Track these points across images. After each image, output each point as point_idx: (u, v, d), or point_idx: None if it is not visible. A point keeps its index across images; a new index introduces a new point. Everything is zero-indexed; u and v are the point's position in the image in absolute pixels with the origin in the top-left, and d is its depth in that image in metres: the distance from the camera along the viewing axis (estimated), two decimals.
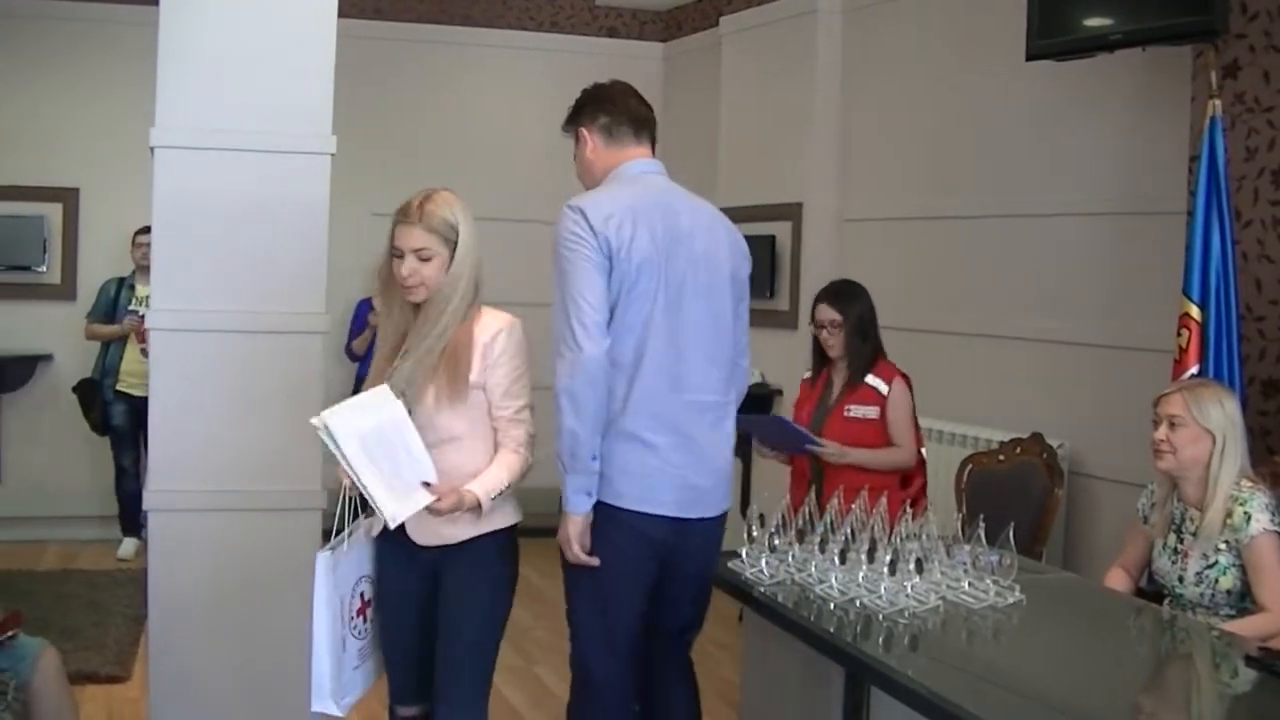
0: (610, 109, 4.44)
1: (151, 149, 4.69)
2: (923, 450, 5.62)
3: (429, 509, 3.75)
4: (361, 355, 9.37)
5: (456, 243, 3.90)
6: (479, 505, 3.82)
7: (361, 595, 4.01)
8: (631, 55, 10.61)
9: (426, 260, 3.86)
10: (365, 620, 4.04)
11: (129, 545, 8.64)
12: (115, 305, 8.61)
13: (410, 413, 3.80)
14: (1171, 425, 4.35)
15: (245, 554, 4.81)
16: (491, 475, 3.86)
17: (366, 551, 4.03)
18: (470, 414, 3.87)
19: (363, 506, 3.87)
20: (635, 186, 4.24)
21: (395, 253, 3.89)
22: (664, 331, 4.01)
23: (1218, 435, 4.30)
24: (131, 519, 8.56)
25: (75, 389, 8.82)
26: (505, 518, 4.01)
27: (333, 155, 4.85)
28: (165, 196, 4.70)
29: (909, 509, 4.12)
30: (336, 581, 3.87)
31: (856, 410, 5.42)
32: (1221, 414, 4.31)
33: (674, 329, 4.04)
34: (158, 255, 4.71)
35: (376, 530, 3.96)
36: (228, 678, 4.82)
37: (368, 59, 9.45)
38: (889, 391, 5.46)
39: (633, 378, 3.99)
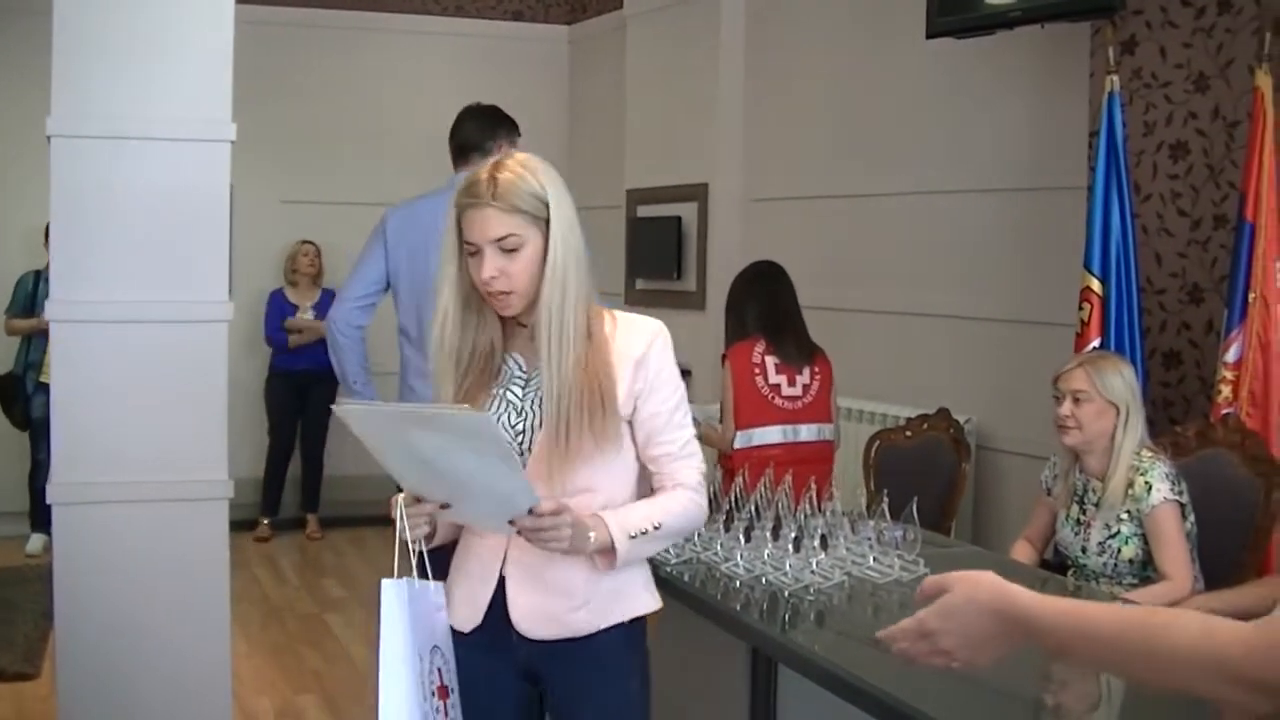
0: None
1: (48, 138, 4.63)
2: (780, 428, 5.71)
3: (530, 518, 2.73)
4: (287, 348, 9.35)
5: (549, 220, 2.81)
6: (611, 547, 2.83)
7: (439, 672, 2.85)
8: (537, 38, 10.64)
9: (512, 252, 2.80)
10: (445, 712, 2.84)
11: (37, 541, 8.55)
12: (34, 299, 8.51)
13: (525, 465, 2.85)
14: (1076, 400, 4.39)
15: (152, 546, 4.74)
16: (639, 509, 2.89)
17: (437, 617, 2.89)
18: (615, 458, 2.90)
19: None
20: None
21: (469, 249, 2.84)
22: None
23: (1121, 406, 4.35)
24: (43, 514, 8.46)
25: None
26: (649, 601, 3.05)
27: (233, 142, 4.79)
28: (63, 186, 4.62)
29: (834, 486, 4.17)
30: (414, 621, 2.80)
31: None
32: (1123, 384, 4.36)
33: None
34: (56, 246, 4.65)
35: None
36: (139, 672, 4.76)
37: (273, 44, 9.39)
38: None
39: None
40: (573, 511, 2.77)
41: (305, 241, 9.63)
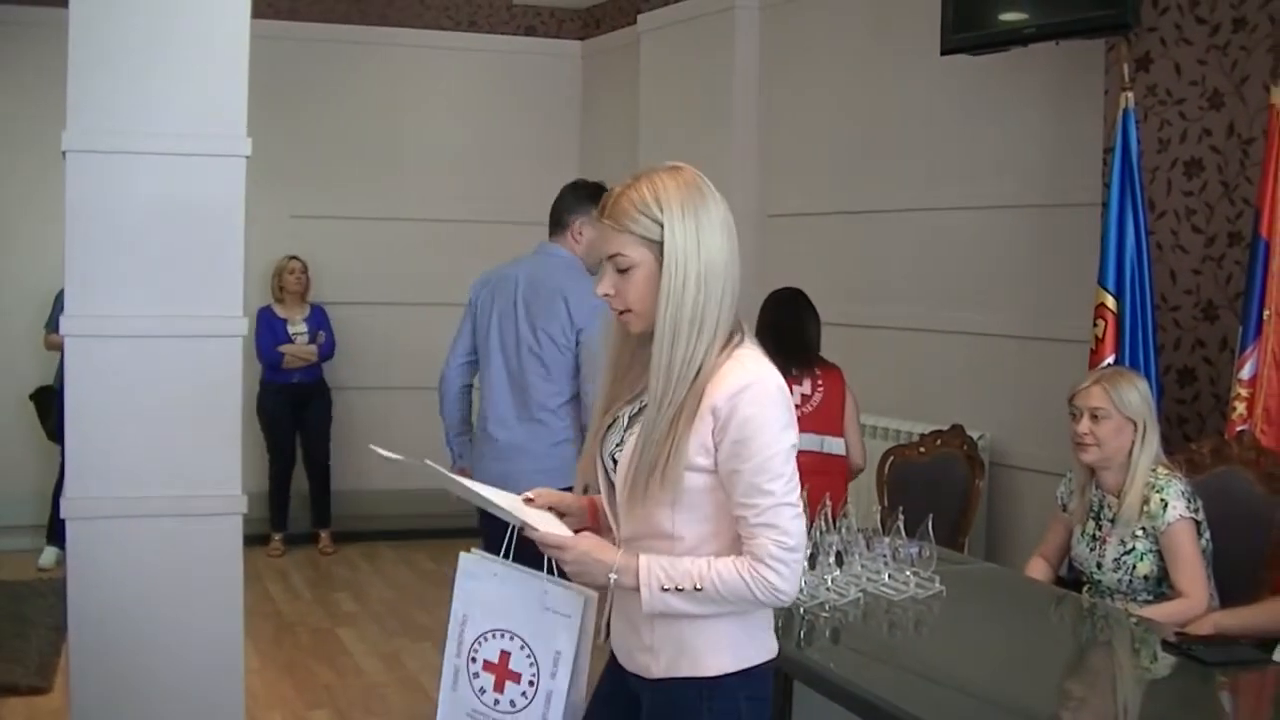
0: None
1: (63, 153, 4.64)
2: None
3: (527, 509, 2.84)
4: (280, 367, 9.34)
5: (663, 244, 2.70)
6: (637, 584, 2.71)
7: (504, 654, 2.89)
8: (550, 53, 10.65)
9: (624, 272, 2.73)
10: (499, 694, 2.89)
11: (50, 554, 8.54)
12: None
13: (614, 488, 2.85)
14: (1094, 418, 4.37)
15: (165, 560, 4.75)
16: (687, 564, 2.70)
17: (530, 600, 2.87)
18: (693, 506, 2.73)
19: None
20: None
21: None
22: None
23: (1138, 422, 4.35)
24: (59, 527, 8.45)
25: (32, 396, 8.72)
26: (722, 657, 2.79)
27: (248, 157, 4.80)
28: (78, 201, 4.63)
29: (849, 505, 4.17)
30: (469, 594, 2.97)
31: None
32: (1139, 399, 4.36)
33: None
34: (71, 260, 4.65)
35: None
36: (152, 687, 4.76)
37: (286, 60, 9.39)
38: None
39: None
40: (587, 545, 2.75)
41: (292, 257, 9.57)
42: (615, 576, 2.72)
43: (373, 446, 2.92)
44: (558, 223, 5.36)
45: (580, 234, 5.23)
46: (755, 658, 2.81)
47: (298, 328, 9.45)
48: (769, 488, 2.64)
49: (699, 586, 2.67)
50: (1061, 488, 4.69)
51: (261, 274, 9.29)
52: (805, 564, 3.80)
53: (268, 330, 9.32)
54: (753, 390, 2.67)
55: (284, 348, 9.33)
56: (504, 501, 2.79)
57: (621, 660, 2.90)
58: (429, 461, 2.74)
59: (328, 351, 9.54)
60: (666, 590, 2.68)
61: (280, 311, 9.45)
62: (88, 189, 4.64)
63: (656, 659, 2.79)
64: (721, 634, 2.77)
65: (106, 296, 4.67)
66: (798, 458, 2.74)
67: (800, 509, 2.70)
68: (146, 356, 4.69)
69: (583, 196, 5.27)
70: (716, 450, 2.68)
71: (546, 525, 2.78)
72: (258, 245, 8.90)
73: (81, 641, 4.71)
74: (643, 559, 2.70)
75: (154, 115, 4.68)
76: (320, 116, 9.92)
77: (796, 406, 5.55)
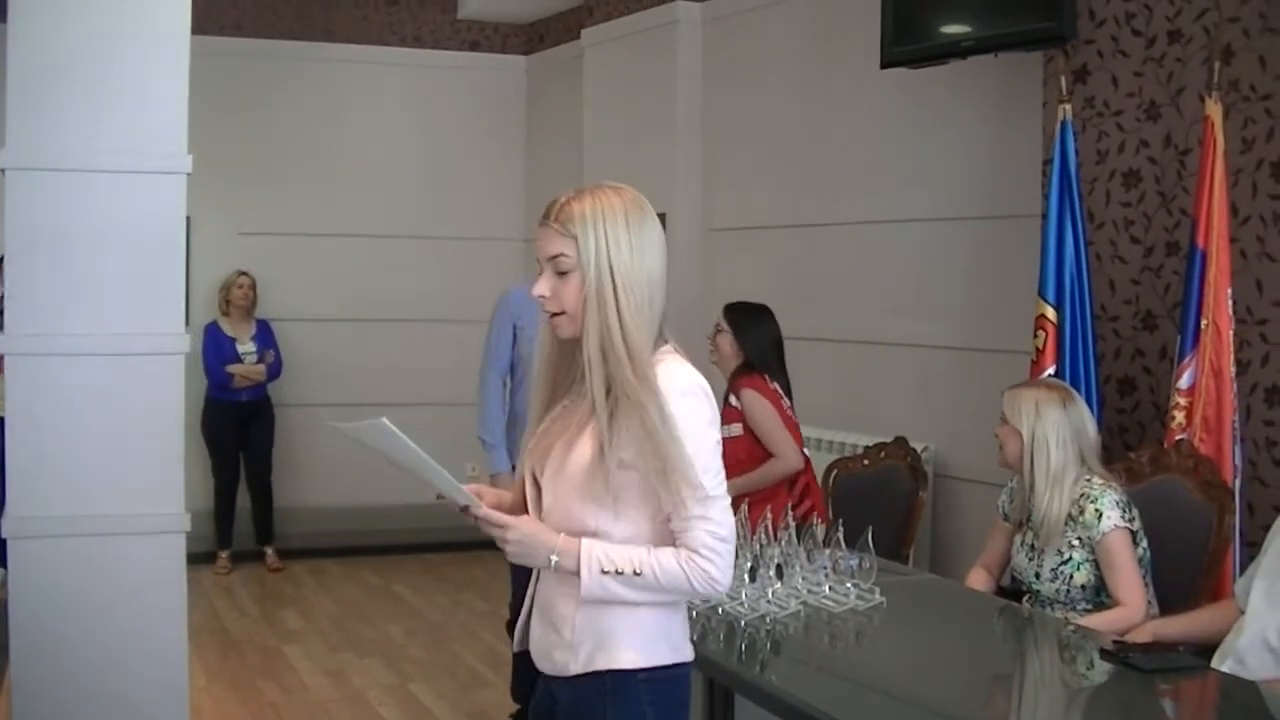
0: None
1: (1, 170, 4.62)
2: (805, 450, 5.78)
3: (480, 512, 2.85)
4: (228, 385, 9.30)
5: (609, 253, 2.80)
6: (577, 566, 2.76)
7: None
8: (495, 68, 10.66)
9: (564, 275, 2.82)
10: None
11: None
12: None
13: (539, 490, 2.91)
14: (1001, 421, 4.50)
15: (109, 579, 4.72)
16: (628, 550, 2.77)
17: None
18: (623, 503, 2.79)
19: None
20: None
21: (539, 267, 2.89)
22: None
23: (1025, 436, 4.39)
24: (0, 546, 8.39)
25: None
26: (637, 653, 2.83)
27: (189, 175, 4.79)
28: (17, 219, 4.61)
29: (789, 515, 4.18)
30: None
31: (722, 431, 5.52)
32: (1034, 415, 4.39)
33: None
34: (11, 278, 4.64)
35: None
36: (97, 706, 4.72)
37: (230, 76, 9.39)
38: (740, 403, 5.62)
39: None
40: (530, 528, 2.82)
41: (241, 273, 9.53)
42: (556, 558, 2.77)
43: (332, 423, 2.87)
44: None
45: None
46: (668, 657, 2.86)
47: (246, 346, 9.41)
48: (699, 482, 2.72)
49: (638, 571, 2.74)
50: (1003, 496, 4.73)
51: (208, 290, 9.26)
52: (746, 577, 3.85)
53: (215, 348, 9.28)
54: (676, 390, 2.76)
55: (233, 368, 9.29)
56: (449, 478, 2.82)
57: (539, 664, 2.94)
58: (385, 420, 2.71)
59: (276, 371, 9.51)
60: (606, 573, 2.74)
61: (227, 328, 9.40)
62: (28, 206, 4.61)
63: (575, 655, 2.83)
64: (641, 628, 2.83)
65: (47, 314, 4.64)
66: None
67: (729, 501, 2.81)
68: (88, 374, 4.66)
69: None
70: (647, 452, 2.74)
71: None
72: (203, 261, 8.91)
73: (24, 661, 4.67)
74: (584, 542, 2.76)
75: (94, 132, 4.66)
76: (265, 132, 9.89)
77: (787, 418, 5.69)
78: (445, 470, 2.79)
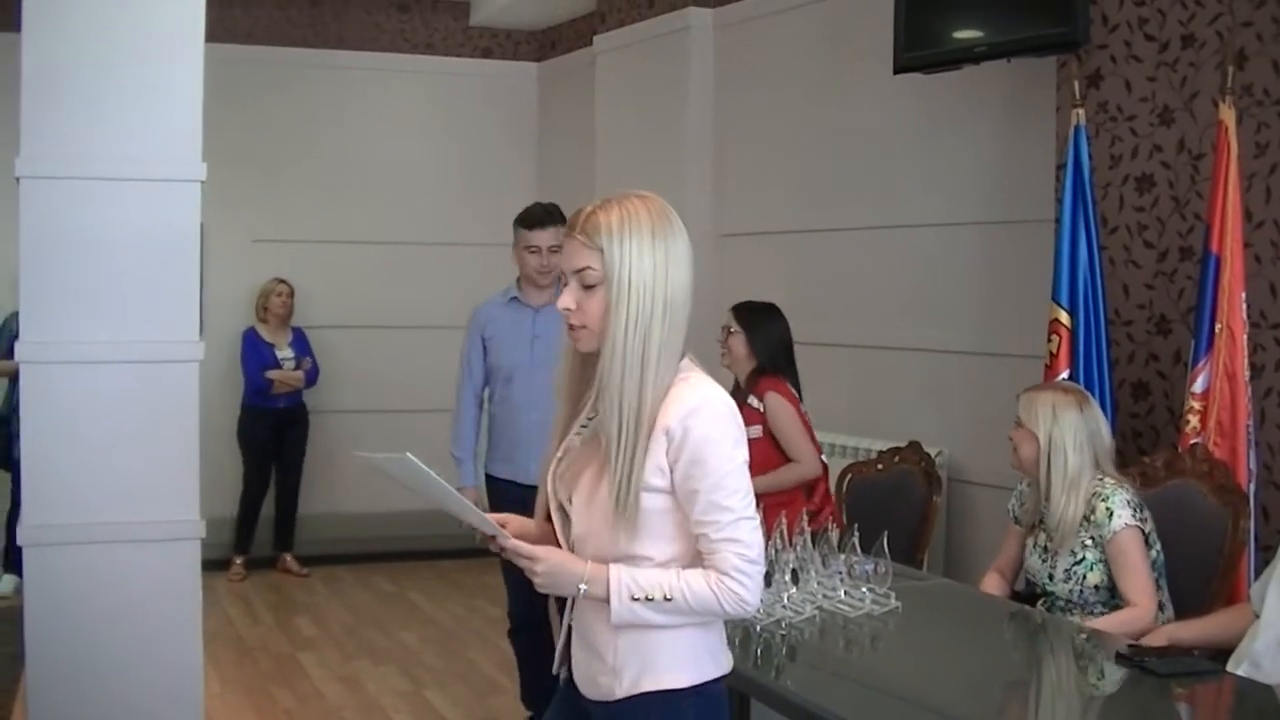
0: None
1: (17, 179, 4.63)
2: (822, 456, 5.78)
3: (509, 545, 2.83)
4: (268, 391, 9.32)
5: (632, 267, 2.73)
6: (607, 594, 2.74)
7: None
8: (507, 75, 10.69)
9: (591, 288, 2.76)
10: None
11: (8, 582, 8.46)
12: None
13: (568, 518, 2.88)
14: (1016, 424, 4.49)
15: (124, 586, 4.73)
16: (656, 575, 2.75)
17: None
18: (652, 527, 2.76)
19: None
20: None
21: (563, 280, 2.85)
22: None
23: (1042, 439, 4.39)
24: (16, 555, 8.38)
25: None
26: (683, 672, 2.82)
27: (203, 182, 4.80)
28: (32, 227, 4.62)
29: (805, 521, 4.18)
30: None
31: None
32: (1051, 418, 4.39)
33: None
34: (25, 287, 4.64)
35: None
36: (111, 712, 4.73)
37: (243, 83, 9.40)
38: (763, 406, 5.61)
39: None
40: (558, 558, 2.79)
41: (280, 280, 9.57)
42: (585, 587, 2.75)
43: (358, 453, 2.90)
44: None
45: None
46: (714, 671, 2.85)
47: (285, 353, 9.45)
48: (727, 504, 2.69)
49: (669, 596, 2.71)
50: (1013, 500, 4.73)
51: (221, 297, 9.26)
52: (762, 580, 3.84)
53: (254, 354, 9.32)
54: (704, 411, 2.71)
55: (272, 373, 9.32)
56: (478, 511, 2.82)
57: (584, 691, 2.90)
58: (409, 455, 2.72)
59: (313, 378, 9.56)
60: (636, 600, 2.72)
61: (266, 335, 9.43)
62: (42, 215, 4.62)
63: (620, 680, 2.80)
64: (684, 646, 2.81)
65: (62, 322, 4.65)
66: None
67: (757, 521, 2.75)
68: (103, 382, 4.68)
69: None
70: (672, 471, 2.72)
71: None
72: (217, 269, 8.91)
73: (40, 668, 4.68)
74: (613, 569, 2.74)
75: (108, 140, 4.67)
76: (278, 140, 9.91)
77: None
78: (471, 505, 2.80)
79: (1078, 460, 4.36)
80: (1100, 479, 4.36)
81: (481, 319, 5.84)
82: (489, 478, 5.84)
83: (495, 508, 5.24)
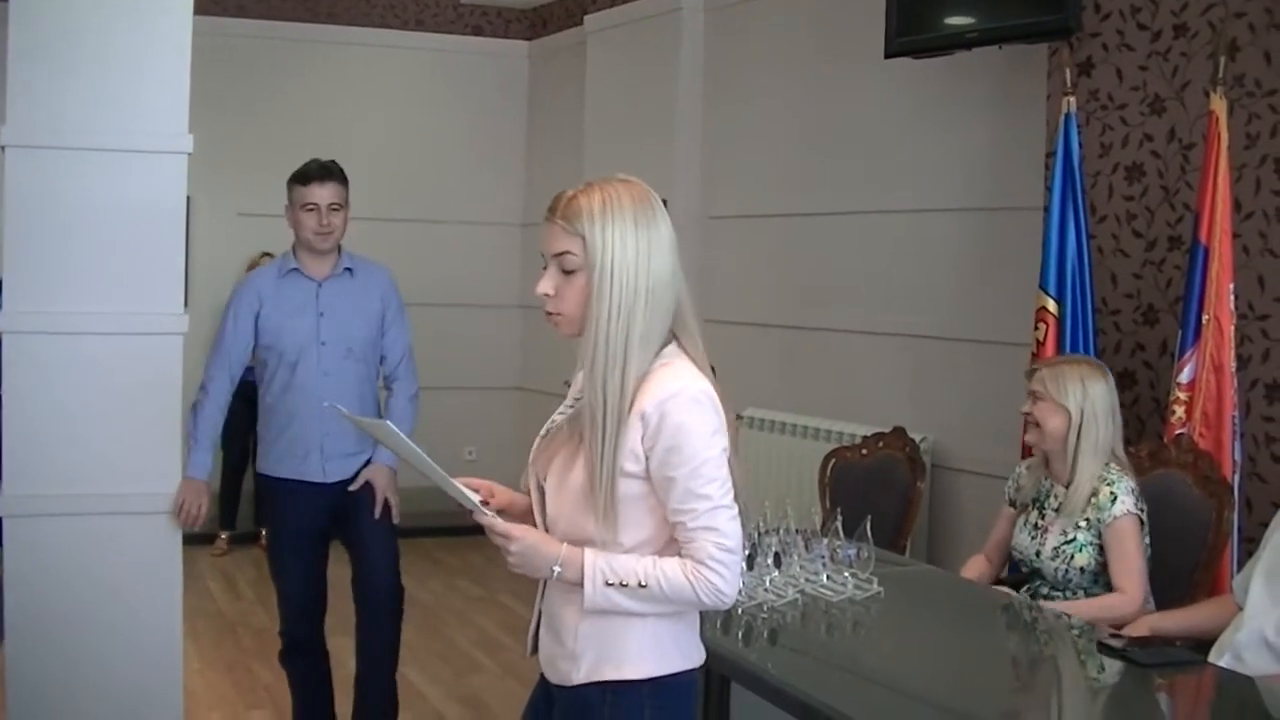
0: None
1: (2, 147, 4.60)
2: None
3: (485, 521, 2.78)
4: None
5: (614, 252, 2.67)
6: (580, 577, 2.70)
7: None
8: (497, 53, 10.65)
9: (571, 274, 2.71)
10: None
11: None
12: None
13: (544, 499, 2.85)
14: (1035, 399, 4.46)
15: (104, 558, 4.71)
16: (631, 561, 2.70)
17: None
18: (626, 512, 2.71)
19: None
20: None
21: (542, 263, 2.79)
22: None
23: (1074, 413, 4.38)
24: None
25: None
26: (644, 662, 2.78)
27: (190, 154, 4.77)
28: (17, 196, 4.59)
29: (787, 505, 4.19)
30: None
31: None
32: (1081, 392, 4.38)
33: None
34: (9, 256, 4.62)
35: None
36: (91, 686, 4.72)
37: (232, 57, 9.38)
38: None
39: None
40: (533, 538, 2.74)
41: (266, 254, 9.52)
42: (559, 569, 2.71)
43: (340, 409, 2.93)
44: None
45: None
46: (678, 664, 2.81)
47: None
48: (705, 492, 2.64)
49: (643, 583, 2.66)
50: (1010, 483, 4.71)
51: (206, 271, 9.22)
52: (744, 565, 3.83)
53: None
54: (681, 397, 2.66)
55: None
56: (457, 484, 2.78)
57: (546, 673, 2.89)
58: (389, 423, 2.72)
59: None
60: (610, 585, 2.67)
61: None
62: (27, 184, 4.60)
63: (578, 665, 2.78)
64: (647, 636, 2.76)
65: (46, 292, 4.63)
66: None
67: (736, 510, 2.70)
68: (86, 353, 4.66)
69: None
70: (647, 458, 2.67)
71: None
72: (202, 242, 8.88)
73: (18, 640, 4.67)
74: (588, 553, 2.69)
75: (95, 111, 4.65)
76: (266, 114, 9.86)
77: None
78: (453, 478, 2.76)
79: (1109, 430, 4.40)
80: (1106, 464, 4.37)
81: (253, 294, 5.28)
82: (267, 478, 5.41)
83: (277, 511, 5.25)
